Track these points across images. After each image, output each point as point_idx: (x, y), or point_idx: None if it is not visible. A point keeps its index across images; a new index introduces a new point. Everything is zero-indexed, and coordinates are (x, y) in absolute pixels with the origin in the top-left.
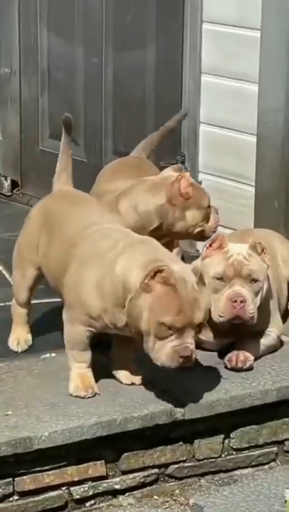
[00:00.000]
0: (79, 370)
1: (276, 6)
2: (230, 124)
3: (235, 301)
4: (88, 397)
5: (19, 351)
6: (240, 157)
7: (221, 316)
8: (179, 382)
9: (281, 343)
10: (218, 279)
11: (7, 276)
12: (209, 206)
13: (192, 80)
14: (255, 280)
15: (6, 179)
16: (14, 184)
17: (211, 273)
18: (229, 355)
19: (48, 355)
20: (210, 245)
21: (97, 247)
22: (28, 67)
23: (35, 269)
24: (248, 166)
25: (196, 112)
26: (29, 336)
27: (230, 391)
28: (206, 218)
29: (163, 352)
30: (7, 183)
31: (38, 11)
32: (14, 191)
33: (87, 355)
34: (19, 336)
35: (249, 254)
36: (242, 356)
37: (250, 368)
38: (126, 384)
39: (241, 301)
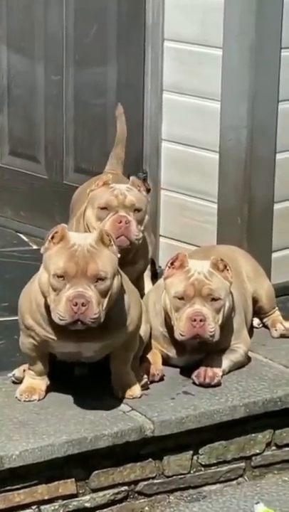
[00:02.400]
0: (29, 377)
1: (237, 24)
2: (192, 141)
3: (195, 320)
4: (24, 401)
5: None
6: (203, 174)
7: (181, 335)
8: (148, 399)
9: (248, 359)
10: (178, 298)
11: None
12: (105, 208)
13: (154, 98)
14: (216, 299)
15: None
16: None
17: (172, 292)
18: (197, 371)
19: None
20: (171, 264)
21: None
22: None
23: None
24: (211, 182)
25: (158, 129)
26: None
27: (199, 407)
28: (100, 220)
29: (60, 305)
30: None
31: None
32: None
33: (38, 366)
34: None
35: (210, 273)
36: (210, 372)
37: (218, 384)
38: (127, 398)
39: (201, 320)
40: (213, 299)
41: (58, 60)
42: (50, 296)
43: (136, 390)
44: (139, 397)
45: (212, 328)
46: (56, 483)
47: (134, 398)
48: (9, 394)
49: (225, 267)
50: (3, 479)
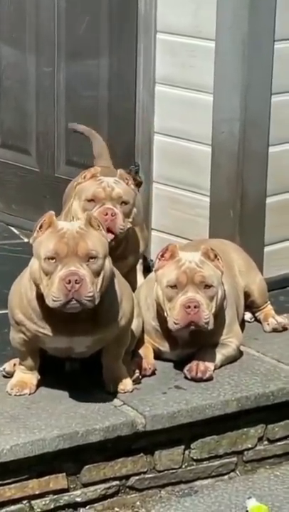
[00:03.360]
0: (20, 371)
1: (231, 16)
2: (184, 133)
3: (189, 307)
4: (15, 395)
5: None
6: (195, 167)
7: (175, 323)
8: (140, 393)
9: (240, 353)
10: (171, 287)
11: None
12: (92, 200)
13: (146, 90)
14: (208, 286)
15: None
16: None
17: (164, 282)
18: (189, 365)
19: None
20: (162, 256)
21: None
22: None
23: None
24: (203, 175)
25: (150, 121)
26: None
27: (191, 402)
28: (86, 212)
29: (53, 286)
30: None
31: None
32: None
33: (29, 361)
34: None
35: (201, 261)
36: (202, 366)
37: (210, 378)
38: (119, 392)
39: (195, 307)
40: (206, 286)
41: (50, 52)
42: (43, 282)
43: (127, 384)
44: (131, 392)
45: (206, 315)
46: (47, 477)
47: (125, 392)
48: (0, 388)
49: (215, 256)
50: None
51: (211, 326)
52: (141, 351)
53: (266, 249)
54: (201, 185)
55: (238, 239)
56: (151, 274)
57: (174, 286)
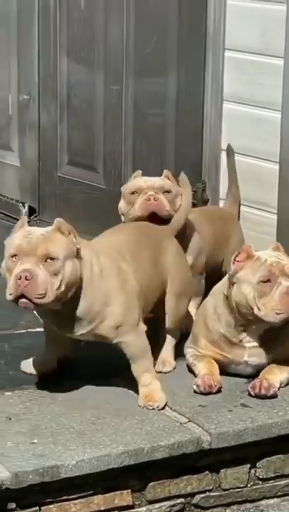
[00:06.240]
0: None
1: None
2: (252, 151)
3: None
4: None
5: None
6: (263, 184)
7: (278, 314)
8: (205, 410)
9: None
10: (263, 282)
11: None
12: (134, 192)
13: (214, 108)
14: None
15: (23, 206)
16: (32, 211)
17: (254, 279)
18: (253, 382)
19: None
20: (235, 259)
21: None
22: (47, 93)
23: None
24: (271, 193)
25: (218, 139)
26: None
27: (257, 420)
28: (130, 204)
29: (10, 282)
30: (25, 210)
31: (58, 37)
32: (32, 218)
33: (47, 348)
34: None
35: (278, 255)
36: (265, 383)
37: (275, 396)
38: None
39: None
40: None
41: (118, 70)
42: (7, 278)
43: (158, 399)
44: (162, 409)
45: None
46: (112, 493)
47: (154, 408)
48: (66, 403)
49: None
50: (60, 488)
51: None
52: (207, 368)
53: None
54: (268, 202)
55: None
56: (217, 286)
57: (267, 281)
